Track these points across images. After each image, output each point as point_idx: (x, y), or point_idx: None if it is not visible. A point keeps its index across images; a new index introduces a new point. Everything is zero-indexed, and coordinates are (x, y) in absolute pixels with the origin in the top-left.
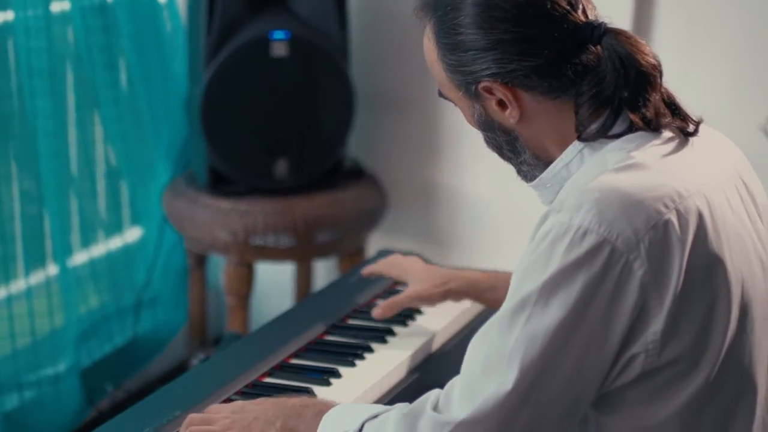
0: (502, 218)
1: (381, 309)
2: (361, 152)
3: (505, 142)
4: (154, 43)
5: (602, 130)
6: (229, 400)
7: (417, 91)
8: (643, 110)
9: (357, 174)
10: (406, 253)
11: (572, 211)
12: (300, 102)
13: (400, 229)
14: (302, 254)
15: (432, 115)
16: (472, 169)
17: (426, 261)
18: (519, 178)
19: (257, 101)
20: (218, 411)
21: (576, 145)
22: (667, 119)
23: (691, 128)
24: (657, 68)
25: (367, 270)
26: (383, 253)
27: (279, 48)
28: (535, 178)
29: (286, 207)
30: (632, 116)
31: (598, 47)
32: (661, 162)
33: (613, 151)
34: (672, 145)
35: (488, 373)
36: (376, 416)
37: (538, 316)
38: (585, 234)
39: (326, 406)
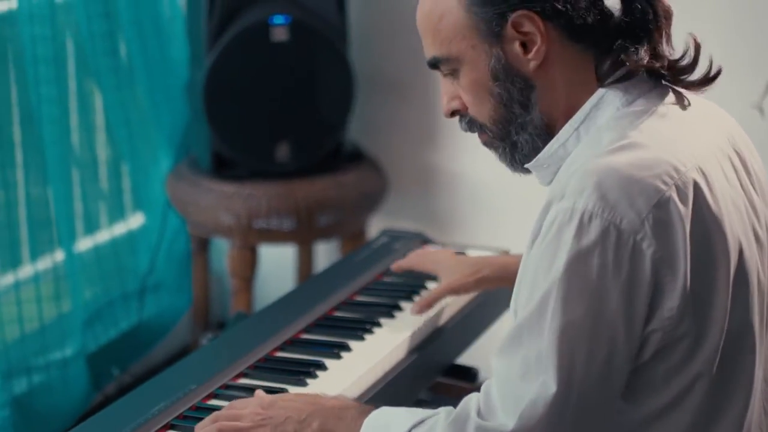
0: (501, 200)
1: (418, 306)
2: (362, 136)
3: (518, 92)
4: (154, 29)
5: (616, 67)
6: (243, 375)
7: (416, 74)
8: (658, 50)
9: (357, 157)
10: (408, 233)
11: (575, 197)
12: (301, 86)
13: (400, 211)
14: (304, 237)
15: (431, 98)
16: (471, 151)
17: (428, 242)
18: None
19: (258, 86)
20: (244, 405)
21: (572, 123)
22: (684, 61)
23: (693, 77)
24: (669, 13)
25: (396, 265)
26: (387, 234)
27: (279, 33)
28: (532, 152)
29: (288, 190)
30: (647, 55)
31: None
32: (655, 139)
33: (608, 130)
34: (665, 120)
35: (527, 377)
36: (421, 422)
37: (562, 311)
38: (591, 218)
39: (366, 409)
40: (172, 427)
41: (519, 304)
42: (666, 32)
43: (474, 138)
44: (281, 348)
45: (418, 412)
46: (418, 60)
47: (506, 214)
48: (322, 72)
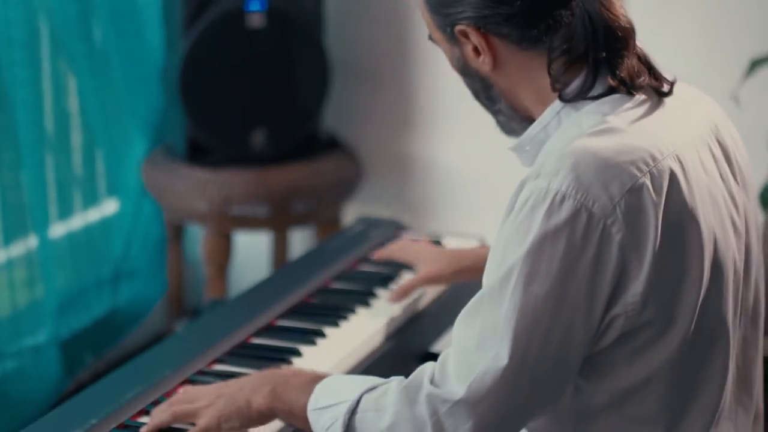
0: (474, 187)
1: (395, 294)
2: (337, 123)
3: (481, 89)
4: (129, 13)
5: (582, 91)
6: (217, 361)
7: (392, 62)
8: (618, 71)
9: (333, 144)
10: (384, 221)
11: (550, 177)
12: (276, 73)
13: (375, 198)
14: (279, 224)
15: (406, 86)
16: (445, 139)
17: (403, 228)
18: (492, 149)
19: (234, 72)
20: (199, 390)
21: (554, 107)
22: (642, 79)
23: (665, 88)
24: (628, 30)
25: (377, 254)
26: (362, 221)
27: (255, 19)
28: (512, 130)
29: (263, 177)
30: (609, 78)
31: (572, 5)
32: (635, 125)
33: (588, 113)
34: (646, 107)
35: (482, 347)
36: (373, 388)
37: (524, 286)
38: (563, 200)
39: (318, 376)
40: (146, 413)
41: (486, 277)
42: (625, 49)
43: (449, 126)
44: (257, 334)
45: (371, 379)
46: (393, 48)
47: (480, 202)
48: (298, 59)
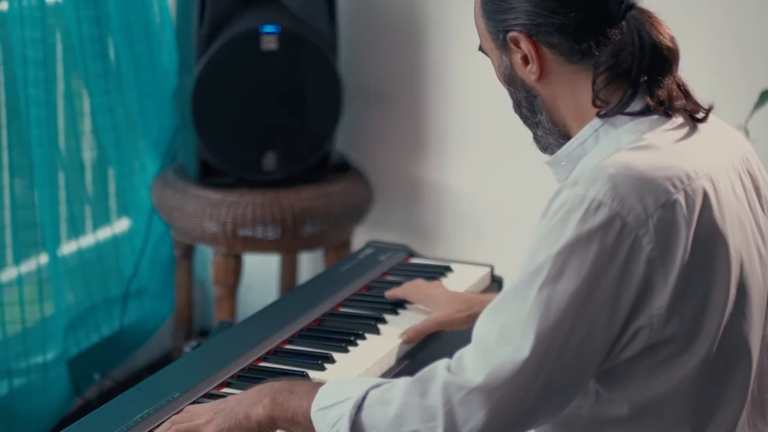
0: (485, 213)
1: (408, 335)
2: (348, 146)
3: (524, 98)
4: (143, 34)
5: (619, 106)
6: (225, 384)
7: (404, 86)
8: (658, 91)
9: (344, 168)
10: (393, 246)
11: (587, 185)
12: (289, 96)
13: (385, 222)
14: (289, 246)
15: (418, 110)
16: (456, 164)
17: (413, 254)
18: (503, 175)
19: (247, 94)
20: (199, 408)
21: (593, 125)
22: (680, 102)
23: (701, 114)
24: (674, 52)
25: (390, 293)
26: (372, 245)
27: (269, 42)
28: (548, 146)
29: (274, 199)
30: (648, 98)
31: (623, 23)
32: (672, 145)
33: (627, 132)
34: (682, 130)
35: (503, 340)
36: (379, 385)
37: (552, 284)
38: (599, 206)
39: (319, 383)
40: None
41: (514, 277)
42: (668, 71)
43: (460, 151)
44: (265, 358)
45: (376, 378)
46: (406, 72)
47: (490, 228)
48: (311, 82)
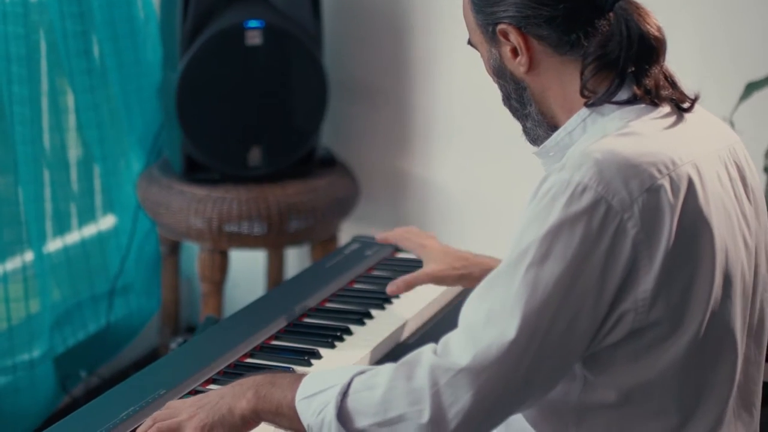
0: (470, 207)
1: (395, 286)
2: (334, 141)
3: (513, 91)
4: (127, 30)
5: (606, 95)
6: (212, 381)
7: (389, 81)
8: (645, 80)
9: (329, 163)
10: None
11: (573, 170)
12: (274, 91)
13: (371, 217)
14: (275, 242)
15: (404, 105)
16: (442, 158)
17: (399, 249)
18: (488, 169)
19: (232, 89)
20: (181, 404)
21: (580, 114)
22: (667, 92)
23: (687, 104)
24: (661, 41)
25: (381, 236)
26: (358, 240)
27: (254, 36)
28: (537, 137)
29: (259, 195)
30: (635, 87)
31: (611, 14)
32: (657, 132)
33: (613, 119)
34: (669, 119)
35: (490, 323)
36: (363, 372)
37: (538, 266)
38: (584, 190)
39: (301, 375)
40: None
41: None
42: (655, 61)
43: (445, 145)
44: (251, 354)
45: (360, 366)
46: (391, 67)
47: (475, 221)
48: (296, 77)
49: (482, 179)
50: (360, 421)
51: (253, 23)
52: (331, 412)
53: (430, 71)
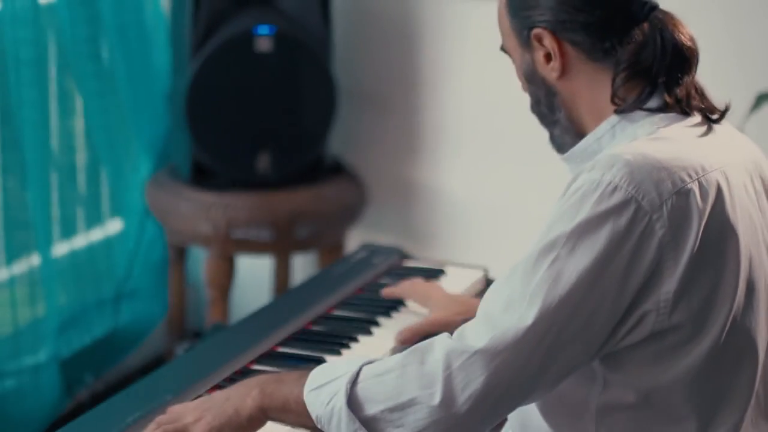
0: (478, 215)
1: (403, 335)
2: (342, 148)
3: (544, 96)
4: (137, 35)
5: (637, 102)
6: (218, 387)
7: (398, 89)
8: (676, 90)
9: (337, 169)
10: (387, 248)
11: (604, 169)
12: (283, 97)
13: (378, 224)
14: (283, 248)
15: (412, 113)
16: (450, 166)
17: (407, 256)
18: (497, 177)
19: (241, 96)
20: (184, 407)
21: (610, 121)
22: (697, 102)
23: (716, 114)
24: (694, 51)
25: (386, 292)
26: (366, 248)
27: (263, 43)
28: (564, 145)
29: (267, 201)
30: (666, 95)
31: (645, 24)
32: (688, 139)
33: (643, 126)
34: (699, 128)
35: (509, 310)
36: (371, 361)
37: (563, 260)
38: (615, 189)
39: (306, 371)
40: None
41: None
42: (687, 71)
43: (453, 153)
44: (257, 361)
45: (367, 357)
46: (400, 75)
47: (483, 230)
48: (305, 84)
49: (490, 187)
50: (370, 408)
51: (262, 30)
52: (341, 401)
53: (438, 79)
